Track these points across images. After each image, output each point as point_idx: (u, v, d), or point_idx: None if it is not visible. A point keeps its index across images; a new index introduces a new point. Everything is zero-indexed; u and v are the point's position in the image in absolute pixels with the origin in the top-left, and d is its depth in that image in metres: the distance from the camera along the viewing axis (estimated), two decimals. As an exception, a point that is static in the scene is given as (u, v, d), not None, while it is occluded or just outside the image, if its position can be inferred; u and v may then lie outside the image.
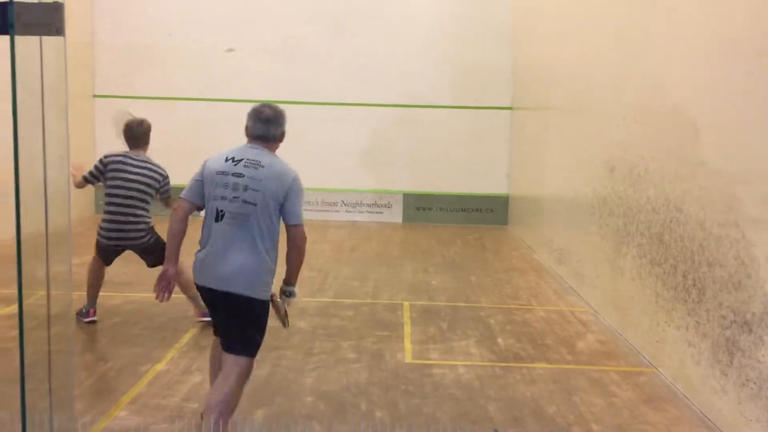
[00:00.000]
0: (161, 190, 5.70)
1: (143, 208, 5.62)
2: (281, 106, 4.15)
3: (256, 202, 3.57)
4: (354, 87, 11.68)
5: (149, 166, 5.70)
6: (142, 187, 5.59)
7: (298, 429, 4.02)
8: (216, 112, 11.61)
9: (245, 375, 3.64)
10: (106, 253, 5.74)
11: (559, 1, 8.85)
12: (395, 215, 11.92)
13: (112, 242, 5.65)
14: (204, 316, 5.43)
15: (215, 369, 3.84)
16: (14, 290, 6.78)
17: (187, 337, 5.53)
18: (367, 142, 11.81)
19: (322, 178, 11.82)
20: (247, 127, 3.92)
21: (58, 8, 2.15)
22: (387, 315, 6.38)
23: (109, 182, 5.60)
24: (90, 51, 11.46)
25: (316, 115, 11.66)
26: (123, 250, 5.78)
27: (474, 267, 8.58)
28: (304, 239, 3.67)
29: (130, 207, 5.57)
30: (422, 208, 11.95)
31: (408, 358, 5.26)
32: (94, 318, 5.75)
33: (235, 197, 3.57)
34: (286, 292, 3.77)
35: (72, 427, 2.57)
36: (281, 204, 3.62)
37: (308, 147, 11.76)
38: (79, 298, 5.59)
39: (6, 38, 2.29)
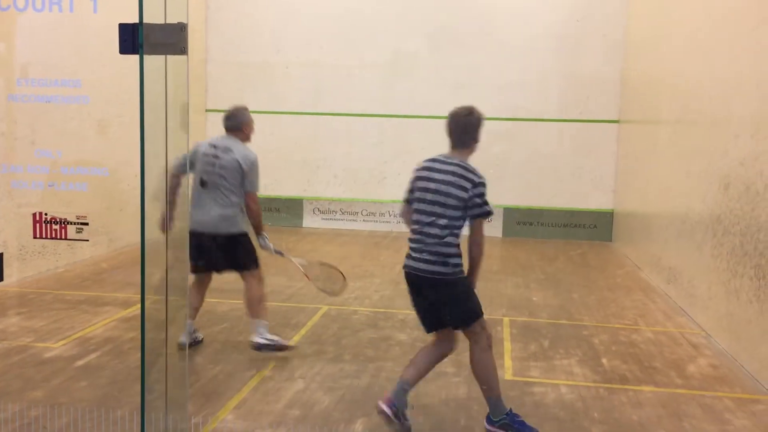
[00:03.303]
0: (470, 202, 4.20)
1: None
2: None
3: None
4: (460, 100, 11.64)
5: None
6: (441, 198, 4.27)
7: (398, 441, 4.03)
8: (325, 125, 11.95)
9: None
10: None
11: (672, 13, 8.55)
12: (495, 229, 11.80)
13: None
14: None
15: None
16: (129, 294, 7.18)
17: (290, 345, 5.67)
18: (470, 155, 11.77)
19: (422, 191, 11.89)
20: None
21: (183, 29, 2.28)
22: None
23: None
24: (203, 67, 12.03)
25: (421, 129, 11.78)
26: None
27: (577, 284, 8.36)
28: None
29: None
30: (523, 222, 11.78)
31: (508, 375, 5.18)
32: None
33: None
34: None
35: (185, 427, 2.70)
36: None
37: (412, 160, 11.86)
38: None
39: (134, 56, 2.45)
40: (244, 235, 5.30)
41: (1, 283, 2.95)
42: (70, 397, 4.48)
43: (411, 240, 4.28)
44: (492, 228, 11.82)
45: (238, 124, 5.34)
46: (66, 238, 3.25)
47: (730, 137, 6.11)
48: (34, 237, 3.14)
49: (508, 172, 11.75)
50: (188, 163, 4.94)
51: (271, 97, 12.00)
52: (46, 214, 3.02)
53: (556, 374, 5.23)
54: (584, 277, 8.79)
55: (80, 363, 5.09)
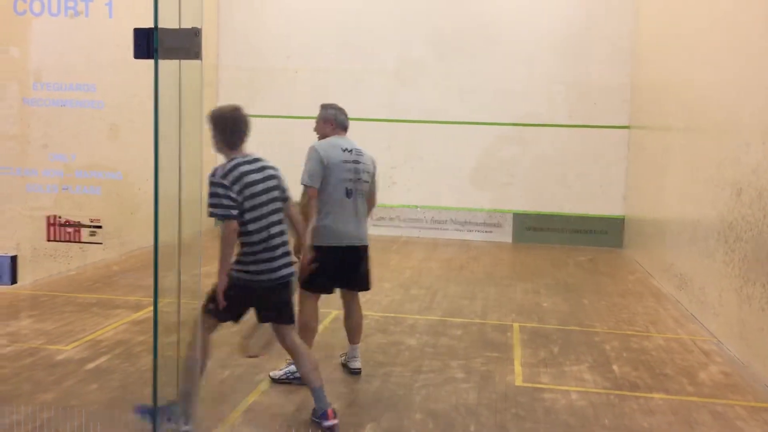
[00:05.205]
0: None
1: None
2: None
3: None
4: (468, 106, 11.71)
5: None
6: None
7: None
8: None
9: None
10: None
11: (681, 19, 8.53)
12: (505, 235, 11.79)
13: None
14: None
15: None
16: (140, 297, 7.19)
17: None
18: (480, 161, 11.79)
19: (433, 196, 11.90)
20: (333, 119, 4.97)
21: (197, 34, 2.30)
22: (496, 336, 6.30)
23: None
24: (214, 72, 12.08)
25: (430, 134, 11.81)
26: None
27: (587, 290, 8.33)
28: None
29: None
30: (533, 228, 11.76)
31: (518, 381, 5.17)
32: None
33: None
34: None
35: (197, 430, 2.71)
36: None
37: (421, 165, 11.90)
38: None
39: (148, 61, 2.46)
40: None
41: (14, 285, 2.99)
42: (81, 399, 4.49)
43: (273, 248, 4.01)
44: (501, 233, 11.81)
45: (348, 124, 5.08)
46: (79, 241, 3.27)
47: (741, 144, 6.08)
48: (48, 240, 3.16)
49: (517, 178, 11.75)
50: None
51: (281, 102, 12.04)
52: (59, 217, 3.04)
53: (567, 381, 5.21)
54: (595, 283, 8.76)
55: (91, 366, 5.11)
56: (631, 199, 11.15)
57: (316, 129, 5.06)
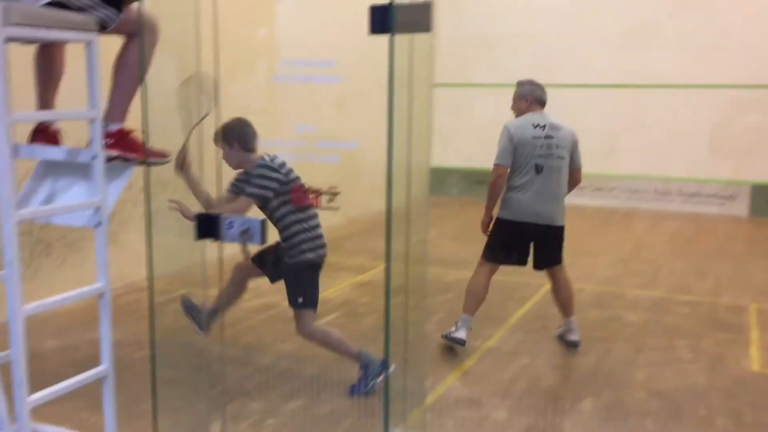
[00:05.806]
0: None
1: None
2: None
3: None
4: (705, 66, 10.78)
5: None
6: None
7: (631, 424, 3.90)
8: (553, 97, 11.68)
9: None
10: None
11: None
12: (740, 208, 10.80)
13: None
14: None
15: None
16: (363, 261, 7.56)
17: (513, 319, 5.70)
18: (717, 128, 10.84)
19: (659, 166, 11.21)
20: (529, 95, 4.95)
21: (430, 7, 2.36)
22: (729, 316, 5.83)
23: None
24: (431, 41, 12.27)
25: (658, 99, 11.08)
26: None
27: (841, 272, 7.40)
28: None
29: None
30: (776, 200, 10.63)
31: (755, 367, 4.76)
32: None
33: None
34: None
35: (421, 388, 2.85)
36: None
37: (650, 133, 11.20)
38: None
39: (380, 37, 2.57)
40: (563, 227, 4.98)
41: (262, 245, 3.34)
42: (313, 351, 4.87)
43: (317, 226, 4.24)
44: (736, 206, 10.83)
45: (546, 98, 5.04)
46: (318, 207, 3.55)
47: None
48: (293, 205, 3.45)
49: (760, 145, 10.63)
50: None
51: (498, 69, 11.93)
52: (303, 185, 3.32)
53: (814, 370, 4.71)
54: None
55: (320, 322, 5.53)
56: None
57: (513, 107, 5.05)
